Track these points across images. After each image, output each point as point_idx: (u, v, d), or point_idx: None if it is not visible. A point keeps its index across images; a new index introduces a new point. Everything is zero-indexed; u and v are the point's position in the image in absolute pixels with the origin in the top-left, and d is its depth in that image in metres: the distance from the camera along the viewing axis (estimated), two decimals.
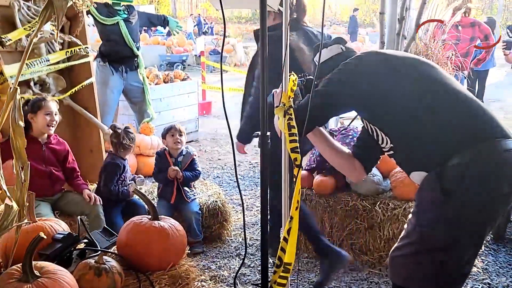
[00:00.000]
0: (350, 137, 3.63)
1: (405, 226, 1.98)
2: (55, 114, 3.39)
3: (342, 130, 3.63)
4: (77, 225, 1.63)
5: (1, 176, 1.53)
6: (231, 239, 3.98)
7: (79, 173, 3.56)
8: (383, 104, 1.94)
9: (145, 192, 4.05)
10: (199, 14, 33.86)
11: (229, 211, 4.01)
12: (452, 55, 4.05)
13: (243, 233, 4.09)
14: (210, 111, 9.57)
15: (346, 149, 2.29)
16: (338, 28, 27.36)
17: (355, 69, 2.01)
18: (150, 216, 1.78)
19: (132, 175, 3.78)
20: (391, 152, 2.01)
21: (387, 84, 1.94)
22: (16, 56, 4.05)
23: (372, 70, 1.98)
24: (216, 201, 3.91)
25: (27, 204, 1.57)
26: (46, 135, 3.40)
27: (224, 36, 1.81)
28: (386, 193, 3.55)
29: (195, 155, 3.94)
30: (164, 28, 6.54)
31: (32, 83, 4.15)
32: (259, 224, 4.25)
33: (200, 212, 3.77)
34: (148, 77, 6.55)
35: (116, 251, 1.75)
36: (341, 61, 2.06)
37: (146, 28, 18.17)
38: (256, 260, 3.62)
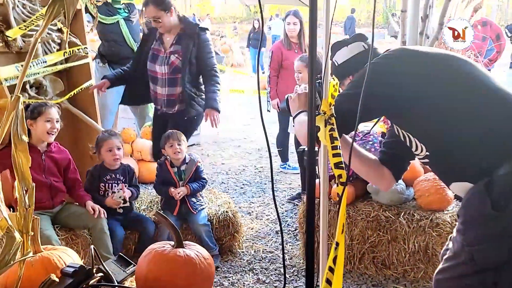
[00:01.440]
0: (370, 143, 3.42)
1: (450, 244, 1.75)
2: (57, 121, 3.15)
3: (362, 136, 3.40)
4: (90, 255, 1.39)
5: (1, 200, 1.28)
6: (243, 252, 3.74)
7: (81, 184, 3.31)
8: (418, 108, 1.71)
9: (150, 202, 3.81)
10: (193, 14, 33.59)
11: (240, 222, 3.77)
12: (476, 56, 3.85)
13: (254, 245, 3.86)
14: None
15: (372, 156, 2.07)
16: (335, 29, 27.20)
17: (384, 69, 1.78)
18: (172, 243, 1.54)
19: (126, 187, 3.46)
20: (427, 160, 1.79)
21: (422, 85, 1.71)
22: (11, 57, 3.80)
23: (404, 69, 1.76)
24: (226, 211, 3.66)
25: (32, 233, 1.33)
26: (45, 143, 3.15)
27: (262, 32, 1.59)
28: (409, 203, 3.33)
29: (199, 162, 3.68)
30: None
31: (28, 86, 3.89)
32: (271, 235, 4.04)
33: (209, 223, 3.52)
34: None
35: (134, 284, 1.51)
36: (364, 60, 1.82)
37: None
38: (272, 275, 3.39)
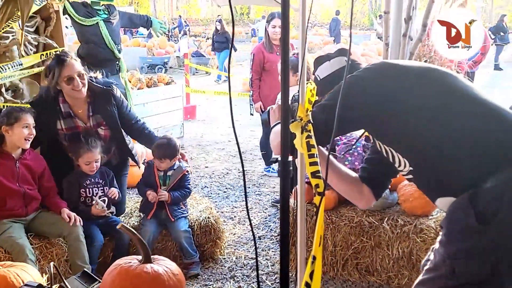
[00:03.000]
0: (354, 147, 3.36)
1: (431, 256, 1.69)
2: (33, 127, 3.02)
3: (345, 140, 3.34)
4: (49, 272, 1.29)
5: None
6: (224, 258, 3.66)
7: (56, 191, 3.19)
8: (398, 122, 1.66)
9: (131, 208, 3.70)
10: (180, 16, 33.48)
11: (222, 228, 3.69)
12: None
13: (236, 251, 3.78)
14: (195, 116, 9.23)
15: (352, 173, 2.01)
16: (320, 30, 27.25)
17: (363, 82, 1.73)
18: (140, 257, 1.45)
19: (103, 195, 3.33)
20: (411, 176, 1.73)
21: (402, 99, 1.66)
22: None
23: (383, 83, 1.71)
24: (208, 218, 3.57)
25: None
26: (20, 150, 3.03)
27: (233, 35, 1.51)
28: (393, 208, 3.28)
29: (188, 171, 3.56)
30: (147, 29, 6.19)
31: (3, 89, 3.78)
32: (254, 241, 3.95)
33: (190, 230, 3.43)
34: (130, 81, 6.19)
35: None
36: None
37: (127, 29, 17.77)
38: (253, 282, 3.31)
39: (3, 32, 3.58)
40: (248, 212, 1.61)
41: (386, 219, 3.14)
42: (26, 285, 1.30)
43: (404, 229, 3.08)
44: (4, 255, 2.80)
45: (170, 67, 16.91)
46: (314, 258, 1.43)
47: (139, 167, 3.83)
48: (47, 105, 3.20)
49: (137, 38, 20.15)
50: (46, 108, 3.20)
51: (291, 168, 1.47)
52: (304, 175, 1.63)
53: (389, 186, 3.02)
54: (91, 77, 3.34)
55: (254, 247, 3.70)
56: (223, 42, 14.41)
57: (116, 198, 3.32)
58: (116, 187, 3.38)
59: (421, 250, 3.02)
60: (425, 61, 3.76)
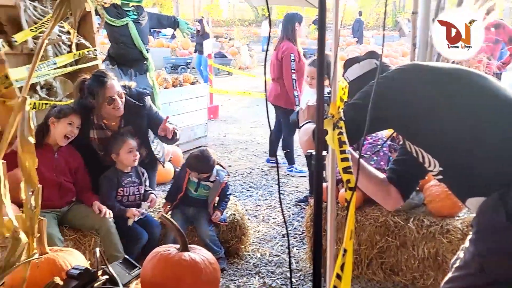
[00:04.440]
0: (379, 146, 3.38)
1: (460, 254, 1.72)
2: (77, 128, 3.18)
3: (371, 140, 3.38)
4: (95, 258, 1.38)
5: (8, 201, 1.28)
6: (249, 255, 3.72)
7: (90, 187, 3.30)
8: (428, 122, 1.69)
9: (158, 204, 3.79)
10: (202, 17, 33.63)
11: (247, 225, 3.75)
12: (489, 59, 3.81)
13: (260, 248, 3.84)
14: (218, 115, 9.33)
15: (380, 174, 2.04)
16: (343, 31, 27.14)
17: (393, 82, 1.77)
18: (178, 246, 1.52)
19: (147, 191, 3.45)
20: (440, 176, 1.75)
21: (433, 99, 1.69)
22: (22, 59, 3.81)
23: (413, 84, 1.74)
24: (234, 214, 3.65)
25: (38, 235, 1.32)
26: (58, 145, 3.17)
27: (269, 36, 1.57)
28: (419, 208, 3.29)
29: (227, 181, 3.62)
30: (174, 30, 6.30)
31: (38, 87, 3.91)
32: (278, 238, 4.01)
33: (213, 229, 3.50)
34: (157, 81, 6.31)
35: (140, 287, 1.50)
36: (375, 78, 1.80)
37: (154, 30, 17.95)
38: (278, 279, 3.36)
39: (38, 32, 3.71)
40: (281, 207, 1.66)
41: (411, 219, 3.16)
42: (74, 268, 1.38)
43: (430, 229, 3.09)
44: None
45: (193, 68, 17.06)
46: (345, 251, 1.48)
47: (163, 166, 3.95)
48: (81, 115, 3.28)
49: (161, 39, 20.36)
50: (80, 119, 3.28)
51: (324, 162, 1.52)
52: (335, 171, 1.68)
53: (416, 188, 3.06)
54: (125, 86, 3.45)
55: (278, 244, 3.77)
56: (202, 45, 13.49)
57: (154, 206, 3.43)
58: (149, 189, 3.48)
59: (447, 251, 3.03)
60: (453, 62, 3.76)
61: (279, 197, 1.68)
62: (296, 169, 5.78)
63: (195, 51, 14.97)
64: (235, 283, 3.32)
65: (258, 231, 4.18)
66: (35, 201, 1.28)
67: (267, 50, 1.76)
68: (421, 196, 3.29)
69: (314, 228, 1.51)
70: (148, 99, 3.52)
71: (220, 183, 3.52)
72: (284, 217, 1.65)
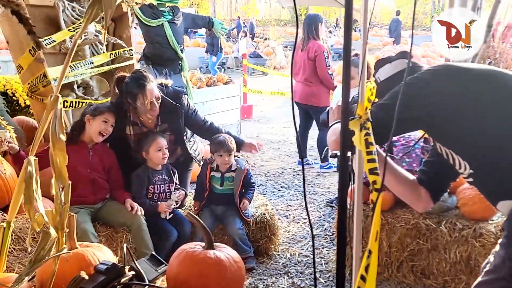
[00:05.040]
0: (412, 149, 3.33)
1: (491, 258, 1.68)
2: (111, 126, 3.27)
3: (403, 142, 3.32)
4: (123, 254, 1.41)
5: (39, 197, 1.32)
6: (279, 254, 3.73)
7: (123, 185, 3.38)
8: (458, 123, 1.65)
9: (190, 202, 3.84)
10: (238, 17, 33.85)
11: (277, 225, 3.76)
12: None
13: (290, 248, 3.84)
14: (251, 115, 9.36)
15: (410, 176, 2.00)
16: (380, 31, 26.77)
17: (424, 83, 1.74)
18: (203, 244, 1.54)
19: (176, 190, 3.48)
20: (471, 179, 1.71)
21: (463, 100, 1.65)
22: (60, 58, 3.94)
23: (444, 84, 1.70)
24: (264, 214, 3.66)
25: (67, 230, 1.36)
26: (93, 142, 3.26)
27: (296, 36, 1.57)
28: (452, 211, 3.22)
29: (248, 168, 3.67)
30: (209, 30, 6.36)
31: (75, 86, 4.02)
32: (308, 238, 4.00)
33: (243, 227, 3.51)
34: (191, 80, 6.39)
35: (165, 284, 1.53)
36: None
37: (189, 30, 18.16)
38: (307, 279, 3.36)
39: (76, 32, 3.83)
40: (307, 208, 1.66)
41: (444, 222, 3.10)
42: (102, 263, 1.42)
43: (463, 233, 3.02)
44: None
45: (228, 68, 17.18)
46: (370, 252, 1.47)
47: (199, 165, 3.98)
48: (118, 112, 3.36)
49: (197, 38, 20.58)
50: (117, 114, 3.36)
51: (350, 163, 1.51)
52: (362, 173, 1.67)
53: (448, 190, 2.99)
54: (162, 84, 3.51)
55: (308, 245, 3.76)
56: (211, 45, 13.97)
57: (182, 200, 3.47)
58: (179, 187, 3.52)
59: (480, 255, 2.96)
60: (490, 63, 3.67)
61: (304, 198, 1.68)
62: (330, 166, 5.79)
63: (206, 51, 15.25)
64: (264, 282, 3.33)
65: (288, 231, 4.18)
66: (65, 197, 1.32)
67: (294, 49, 1.75)
68: (454, 199, 3.22)
69: (338, 229, 1.50)
70: (185, 98, 3.57)
71: (242, 170, 3.57)
72: (308, 217, 1.64)
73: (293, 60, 5.53)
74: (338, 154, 1.50)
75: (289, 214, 4.57)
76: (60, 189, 1.32)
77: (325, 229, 4.22)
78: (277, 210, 4.62)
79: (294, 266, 3.55)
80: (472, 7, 3.31)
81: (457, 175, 1.88)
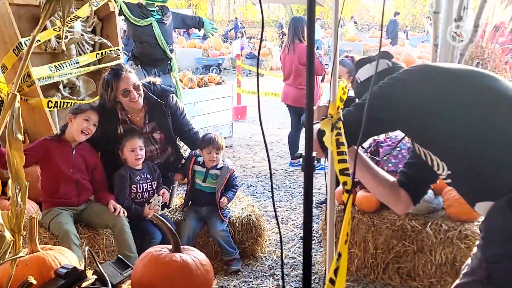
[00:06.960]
0: (398, 149, 3.30)
1: (469, 260, 1.65)
2: (94, 125, 3.22)
3: (389, 142, 3.29)
4: (84, 256, 1.37)
5: None
6: (265, 256, 3.69)
7: (107, 186, 3.34)
8: (436, 124, 1.62)
9: (176, 203, 3.80)
10: (236, 18, 33.83)
11: (263, 226, 3.72)
12: None
13: (277, 250, 3.80)
14: (245, 116, 9.32)
15: (390, 177, 1.97)
16: (377, 32, 26.76)
17: (401, 83, 1.70)
18: (170, 247, 1.51)
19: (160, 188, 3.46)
20: (449, 180, 1.68)
21: (441, 101, 1.62)
22: (45, 58, 3.91)
23: (421, 85, 1.67)
24: (250, 215, 3.62)
25: (24, 233, 1.32)
26: (77, 142, 3.22)
27: (262, 36, 1.54)
28: (437, 213, 3.19)
29: (234, 170, 3.64)
30: (199, 30, 6.33)
31: (61, 86, 3.98)
32: (295, 240, 3.96)
33: (227, 229, 3.48)
34: (182, 81, 6.35)
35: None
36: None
37: (183, 30, 18.13)
38: (292, 281, 3.32)
39: (61, 32, 3.79)
40: (274, 209, 1.62)
41: (429, 224, 3.06)
42: (62, 267, 1.38)
43: (448, 234, 2.99)
44: (51, 240, 2.97)
45: (224, 68, 17.15)
46: (340, 255, 1.44)
47: None
48: (108, 112, 3.34)
49: (193, 39, 20.56)
50: (106, 115, 3.35)
51: (315, 163, 1.47)
52: (334, 173, 1.63)
53: (428, 191, 2.96)
54: (149, 82, 3.49)
55: (295, 246, 3.71)
56: None
57: (166, 200, 3.45)
58: (163, 185, 3.48)
59: (465, 256, 2.92)
60: (478, 63, 3.64)
61: (272, 199, 1.64)
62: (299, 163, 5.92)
63: None
64: (249, 284, 3.29)
65: (276, 233, 4.14)
66: (21, 199, 1.28)
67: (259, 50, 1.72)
68: (440, 200, 3.19)
69: (304, 231, 1.47)
70: (172, 97, 3.55)
71: (228, 170, 3.54)
72: (276, 218, 1.61)
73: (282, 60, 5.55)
74: (303, 154, 1.46)
75: (278, 216, 4.53)
76: (17, 191, 1.28)
77: (315, 231, 4.18)
78: (266, 211, 4.59)
79: (280, 268, 3.50)
80: (459, 7, 3.28)
81: (436, 177, 1.86)
